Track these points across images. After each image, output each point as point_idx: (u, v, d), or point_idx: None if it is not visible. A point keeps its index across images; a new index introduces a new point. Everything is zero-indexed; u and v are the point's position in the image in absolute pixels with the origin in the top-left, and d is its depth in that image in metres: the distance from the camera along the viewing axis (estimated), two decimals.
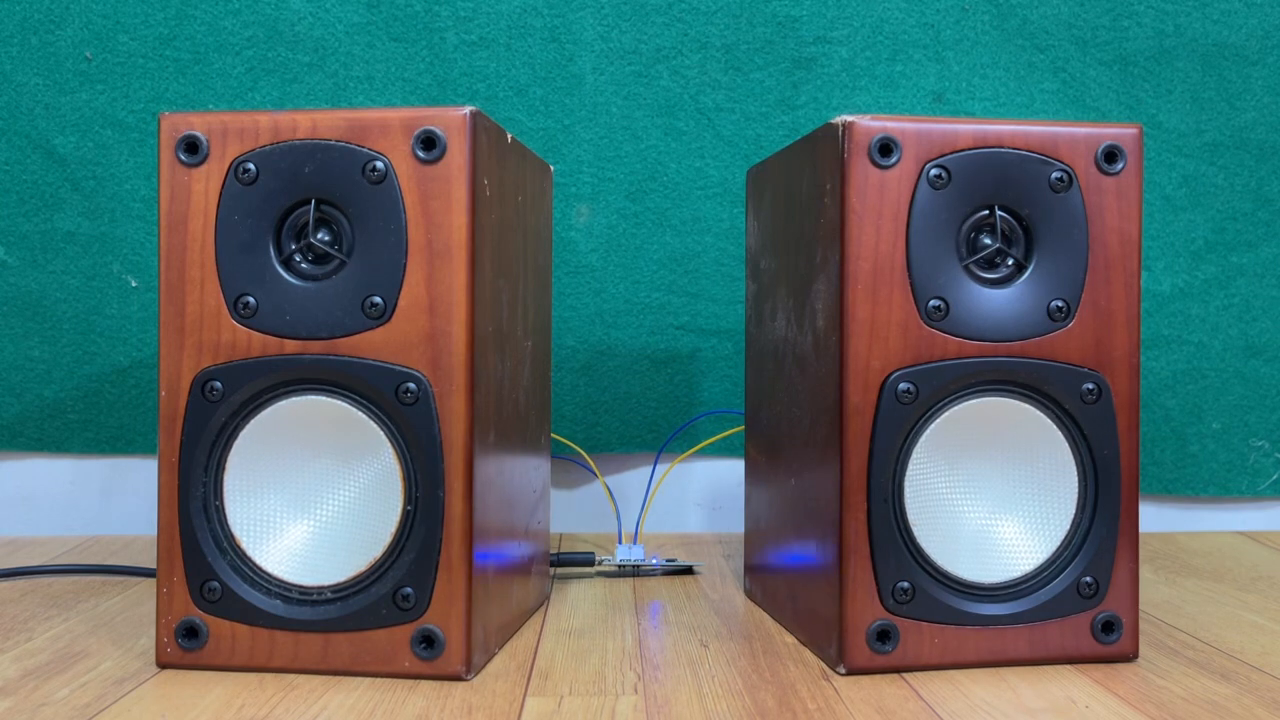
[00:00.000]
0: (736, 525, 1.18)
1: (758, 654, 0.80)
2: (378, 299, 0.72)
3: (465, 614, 0.72)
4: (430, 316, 0.72)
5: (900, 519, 0.74)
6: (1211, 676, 0.75)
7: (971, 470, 0.77)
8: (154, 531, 0.85)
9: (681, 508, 1.27)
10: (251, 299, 0.73)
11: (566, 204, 1.22)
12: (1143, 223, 0.77)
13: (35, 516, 1.23)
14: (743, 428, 1.01)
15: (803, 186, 0.80)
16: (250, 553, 0.74)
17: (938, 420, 0.75)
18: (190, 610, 0.74)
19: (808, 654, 0.79)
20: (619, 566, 1.04)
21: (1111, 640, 0.77)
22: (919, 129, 0.73)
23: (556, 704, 0.70)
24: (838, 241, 0.74)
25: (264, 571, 0.74)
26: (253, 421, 0.74)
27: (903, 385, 0.73)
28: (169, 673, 0.75)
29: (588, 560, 1.03)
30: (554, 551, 1.06)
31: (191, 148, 0.74)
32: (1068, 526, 0.77)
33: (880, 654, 0.74)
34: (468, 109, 0.72)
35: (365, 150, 0.72)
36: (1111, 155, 0.76)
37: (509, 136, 0.80)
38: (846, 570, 0.74)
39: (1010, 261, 0.76)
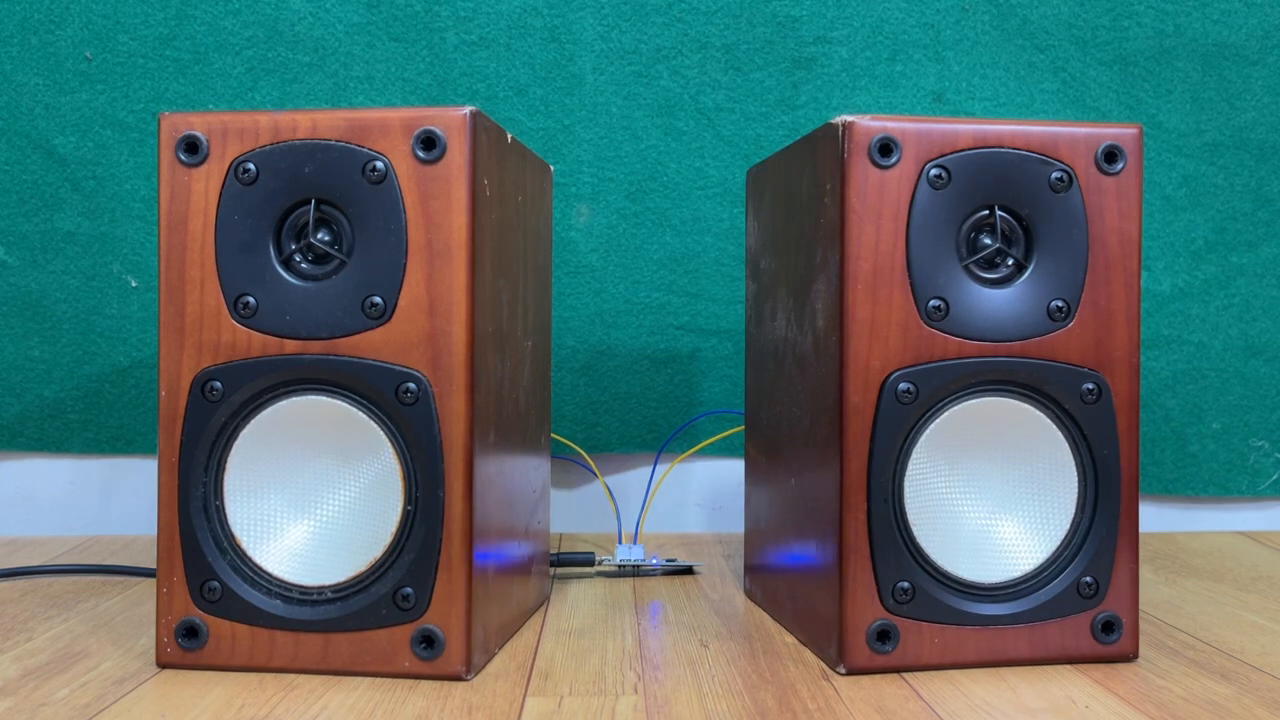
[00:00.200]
0: (736, 525, 1.18)
1: (758, 654, 0.80)
2: (378, 299, 0.72)
3: (465, 614, 0.72)
4: (430, 316, 0.72)
5: (900, 519, 0.74)
6: (1211, 676, 0.75)
7: (971, 470, 0.77)
8: (154, 531, 0.85)
9: (681, 508, 1.26)
10: (251, 299, 0.73)
11: (566, 204, 1.22)
12: (1143, 223, 0.77)
13: (35, 516, 1.23)
14: (743, 428, 1.01)
15: (803, 186, 0.80)
16: (250, 553, 0.74)
17: (938, 420, 0.75)
18: (190, 610, 0.74)
19: (808, 654, 0.79)
20: (619, 566, 1.04)
21: (1111, 640, 0.77)
22: (919, 129, 0.73)
23: (556, 704, 0.70)
24: (838, 241, 0.74)
25: (264, 571, 0.74)
26: (253, 421, 0.74)
27: (903, 385, 0.73)
28: (169, 673, 0.75)
29: (588, 560, 1.03)
30: (554, 551, 1.06)
31: (191, 148, 0.74)
32: (1068, 526, 0.77)
33: (880, 654, 0.74)
34: (468, 109, 0.72)
35: (365, 150, 0.72)
36: (1111, 155, 0.76)
37: (509, 136, 0.80)
38: (846, 570, 0.74)
39: (1010, 261, 0.76)
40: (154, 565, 0.81)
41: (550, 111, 1.22)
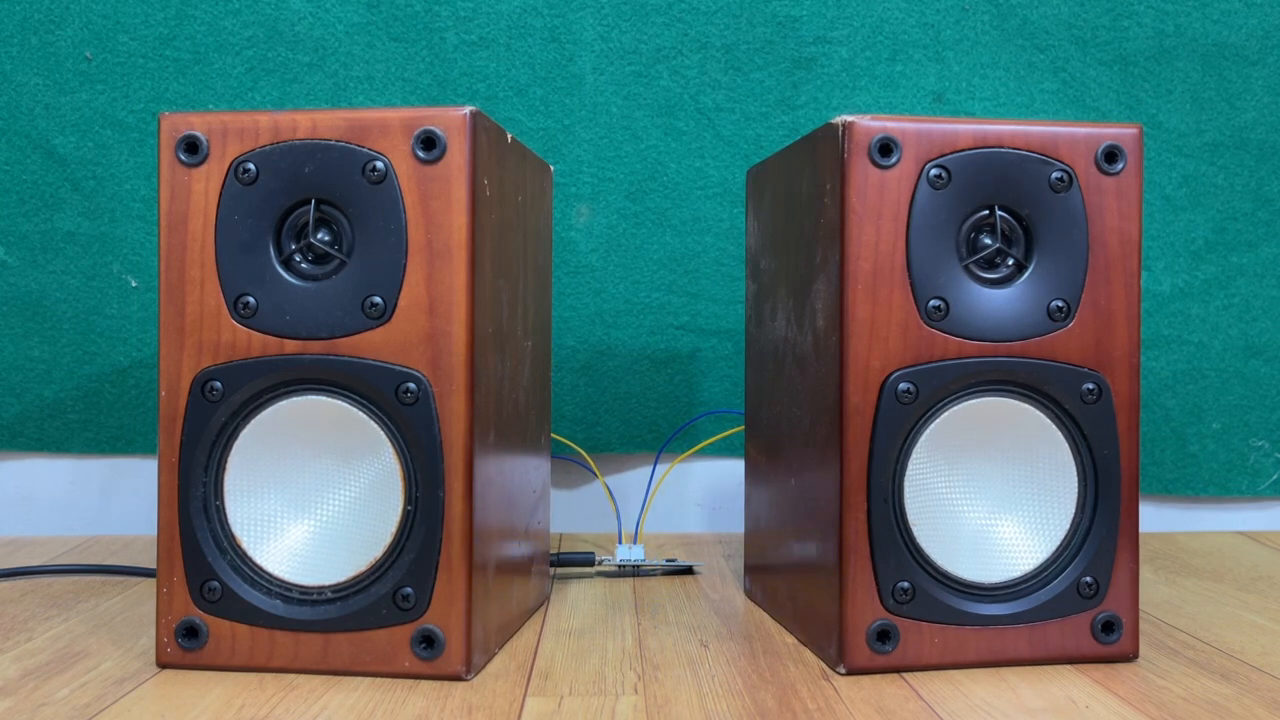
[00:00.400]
0: (736, 525, 1.18)
1: (758, 654, 0.80)
2: (378, 299, 0.72)
3: (465, 614, 0.72)
4: (430, 316, 0.72)
5: (900, 519, 0.74)
6: (1211, 676, 0.75)
7: (971, 470, 0.77)
8: (154, 531, 0.85)
9: (681, 508, 1.26)
10: (251, 299, 0.73)
11: (566, 204, 1.22)
12: (1143, 223, 0.77)
13: (35, 516, 1.23)
14: (743, 428, 1.01)
15: (803, 186, 0.80)
16: (250, 553, 0.74)
17: (938, 420, 0.75)
18: (190, 610, 0.74)
19: (808, 654, 0.79)
20: (619, 566, 1.04)
21: (1111, 640, 0.77)
22: (919, 129, 0.73)
23: (556, 704, 0.70)
24: (838, 241, 0.74)
25: (264, 571, 0.74)
26: (253, 421, 0.74)
27: (903, 385, 0.73)
28: (169, 673, 0.75)
29: (588, 560, 1.03)
30: (554, 551, 1.06)
31: (191, 148, 0.74)
32: (1067, 526, 0.77)
33: (880, 654, 0.74)
34: (468, 109, 0.72)
35: (365, 150, 0.72)
36: (1111, 155, 0.76)
37: (509, 136, 0.80)
38: (846, 570, 0.74)
39: (1010, 261, 0.76)
40: (154, 565, 0.81)
41: (550, 111, 1.22)
